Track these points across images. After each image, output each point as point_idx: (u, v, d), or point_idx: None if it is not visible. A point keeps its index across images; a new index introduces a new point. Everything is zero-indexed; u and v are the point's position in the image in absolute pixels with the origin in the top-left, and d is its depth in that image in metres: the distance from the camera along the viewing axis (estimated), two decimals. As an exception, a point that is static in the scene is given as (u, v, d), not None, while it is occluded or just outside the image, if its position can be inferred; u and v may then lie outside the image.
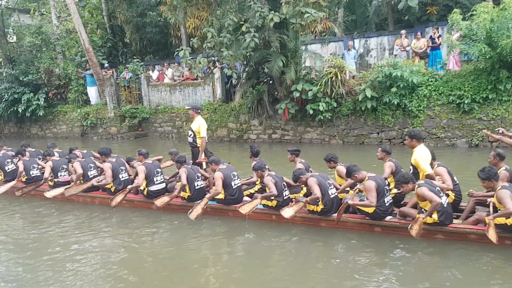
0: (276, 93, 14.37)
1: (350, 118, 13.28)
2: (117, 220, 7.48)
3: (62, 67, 19.69)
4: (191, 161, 8.19)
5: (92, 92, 19.07)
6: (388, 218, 5.96)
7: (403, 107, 12.45)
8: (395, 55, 14.48)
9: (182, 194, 7.30)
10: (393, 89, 12.15)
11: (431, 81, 12.39)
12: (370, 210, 5.90)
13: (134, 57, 20.42)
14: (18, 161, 9.21)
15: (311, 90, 12.92)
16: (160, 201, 7.20)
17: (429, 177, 5.81)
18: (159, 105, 18.00)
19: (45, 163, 8.93)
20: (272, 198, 6.55)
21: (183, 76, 17.57)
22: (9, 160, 9.43)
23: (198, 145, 8.26)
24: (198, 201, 7.00)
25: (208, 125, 15.82)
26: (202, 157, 8.15)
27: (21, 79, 19.44)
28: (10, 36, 22.00)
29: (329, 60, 13.57)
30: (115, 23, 21.71)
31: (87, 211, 7.94)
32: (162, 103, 17.95)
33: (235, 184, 7.05)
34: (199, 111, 8.55)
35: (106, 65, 18.94)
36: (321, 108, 12.94)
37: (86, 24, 19.66)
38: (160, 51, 22.83)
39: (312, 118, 13.59)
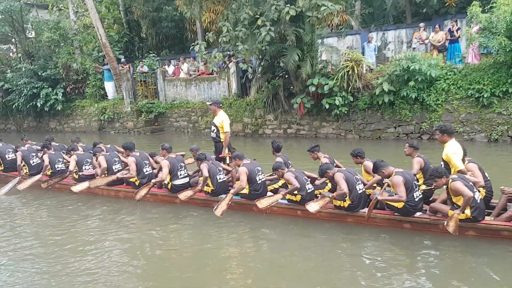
0: (291, 87, 14.29)
1: (366, 113, 13.13)
2: (141, 214, 7.51)
3: (80, 62, 19.91)
4: (214, 156, 8.16)
5: (109, 87, 19.26)
6: (418, 214, 5.82)
7: (421, 101, 12.26)
8: (414, 48, 14.26)
9: (205, 188, 7.28)
10: (411, 83, 11.96)
11: (450, 74, 12.17)
12: (399, 205, 5.79)
13: (150, 51, 20.57)
14: (43, 155, 9.28)
15: (327, 84, 12.81)
16: (184, 195, 7.22)
17: (460, 172, 5.67)
18: (175, 99, 18.07)
19: (70, 157, 8.99)
20: (296, 192, 6.46)
21: (198, 71, 17.60)
22: (34, 154, 9.51)
23: (221, 140, 8.21)
24: (223, 196, 6.99)
25: (224, 119, 15.98)
26: (225, 152, 8.16)
27: (39, 74, 19.73)
28: (29, 32, 22.30)
29: (345, 53, 13.40)
30: (131, 18, 21.83)
31: (111, 205, 8.00)
32: (177, 98, 18.02)
33: (259, 179, 6.99)
34: (221, 105, 8.51)
35: (122, 60, 19.08)
36: (337, 102, 12.82)
37: (103, 19, 19.83)
38: (176, 45, 22.89)
39: (328, 113, 13.48)
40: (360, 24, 17.12)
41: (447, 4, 15.83)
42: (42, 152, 9.48)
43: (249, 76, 15.84)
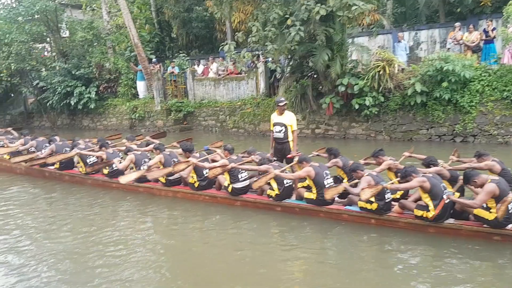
0: (320, 87, 14.16)
1: (398, 113, 12.89)
2: (201, 216, 7.37)
3: (112, 62, 20.34)
4: (275, 158, 7.97)
5: (141, 86, 19.61)
6: (510, 226, 5.47)
7: (454, 102, 11.94)
8: (448, 48, 13.92)
9: (269, 192, 7.07)
10: (444, 84, 11.67)
11: (484, 75, 11.81)
12: (490, 216, 5.41)
13: (180, 51, 20.79)
14: (100, 153, 9.29)
15: (357, 84, 12.64)
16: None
17: None
18: (204, 99, 18.22)
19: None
20: (373, 200, 6.08)
21: (227, 71, 17.70)
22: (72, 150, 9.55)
23: (289, 139, 7.90)
24: (287, 201, 6.84)
25: (251, 119, 16.03)
26: (295, 151, 7.89)
27: (73, 73, 20.23)
28: (63, 31, 22.90)
29: (377, 53, 13.20)
30: (162, 18, 22.15)
31: (169, 206, 7.94)
32: (206, 97, 18.17)
33: (327, 184, 6.66)
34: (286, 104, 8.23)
35: (154, 60, 19.37)
36: (367, 102, 12.64)
37: (135, 19, 20.18)
38: (205, 45, 23.10)
39: (358, 113, 13.31)
40: (392, 24, 16.85)
41: (482, 3, 15.38)
42: (98, 150, 9.48)
43: (277, 76, 15.81)
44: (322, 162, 7.25)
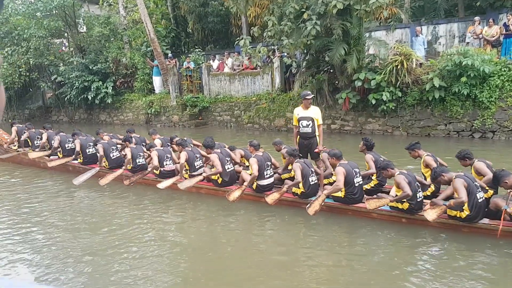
0: (336, 82, 14.06)
1: (415, 109, 12.71)
2: (224, 213, 7.26)
3: (129, 57, 20.49)
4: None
5: (157, 81, 19.71)
6: None
7: (473, 97, 11.74)
8: (467, 43, 13.66)
9: (294, 190, 6.91)
10: (463, 79, 11.46)
11: (504, 70, 11.56)
12: None
13: (196, 46, 20.84)
14: (125, 148, 9.28)
15: (374, 79, 12.50)
16: (271, 199, 6.79)
17: None
18: (219, 94, 18.24)
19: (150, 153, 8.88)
20: (404, 200, 5.94)
21: (242, 66, 17.67)
22: (114, 148, 9.51)
23: (316, 134, 7.61)
24: (314, 198, 6.63)
25: (266, 114, 16.00)
26: (321, 146, 7.69)
27: (90, 67, 20.43)
28: (81, 27, 23.11)
29: (394, 47, 13.02)
30: (178, 13, 22.21)
31: (193, 202, 7.89)
32: (221, 92, 18.18)
33: (357, 182, 6.46)
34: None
35: (169, 55, 19.45)
36: (384, 97, 12.49)
37: (151, 14, 20.27)
38: (221, 40, 23.10)
39: (375, 108, 13.17)
40: (410, 18, 16.58)
41: (503, -4, 15.07)
42: (124, 145, 9.47)
43: (293, 71, 15.73)
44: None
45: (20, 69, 21.19)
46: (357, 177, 6.48)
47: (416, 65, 12.73)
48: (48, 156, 10.61)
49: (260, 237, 6.38)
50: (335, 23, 12.31)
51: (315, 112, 7.66)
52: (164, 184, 8.06)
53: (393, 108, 12.75)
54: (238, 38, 13.96)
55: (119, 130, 15.86)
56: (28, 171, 10.95)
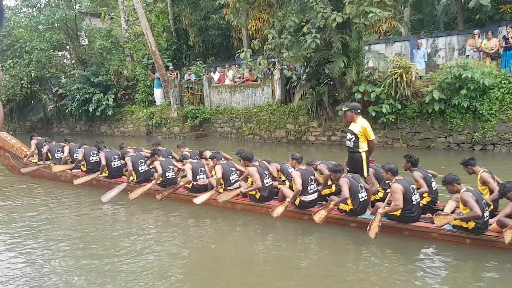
0: (336, 94, 14.12)
1: (415, 121, 12.74)
2: (262, 229, 6.98)
3: (130, 69, 20.63)
4: (348, 168, 7.35)
5: (158, 93, 19.83)
6: None
7: (473, 110, 11.77)
8: (467, 56, 13.74)
9: (341, 206, 6.53)
10: (463, 91, 11.50)
11: (504, 83, 11.61)
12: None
13: (197, 59, 20.98)
14: (153, 162, 8.98)
15: (374, 91, 12.56)
16: (319, 217, 6.33)
17: None
18: (220, 106, 18.30)
19: (182, 165, 8.60)
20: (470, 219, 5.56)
21: (243, 78, 17.76)
22: (142, 161, 9.19)
23: (360, 150, 7.03)
24: (364, 217, 6.32)
25: (267, 126, 16.04)
26: (365, 167, 7.05)
27: (92, 80, 20.55)
28: (82, 39, 23.36)
29: (394, 60, 13.10)
30: (180, 26, 22.40)
31: (229, 218, 7.50)
32: (222, 104, 18.24)
33: (415, 200, 6.04)
34: (358, 111, 7.26)
35: (171, 67, 19.57)
36: (384, 110, 12.53)
37: (153, 27, 20.45)
38: (222, 53, 23.27)
39: (374, 121, 13.17)
40: (409, 31, 16.71)
41: (502, 10, 15.16)
42: (152, 159, 9.19)
43: (293, 83, 15.81)
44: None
45: (22, 81, 21.34)
46: (414, 194, 6.08)
47: (415, 77, 12.79)
48: (71, 169, 10.42)
49: (304, 258, 5.88)
50: (335, 37, 12.42)
51: (356, 127, 7.08)
52: (201, 199, 7.62)
53: (393, 120, 12.78)
54: (239, 51, 14.06)
55: (119, 142, 15.85)
56: (50, 184, 10.66)
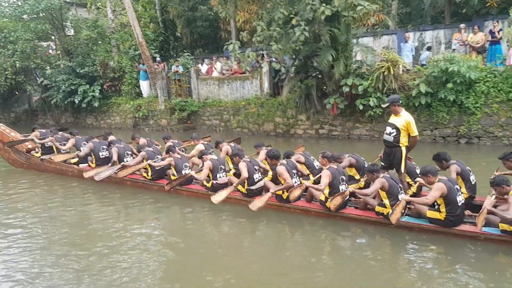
0: (324, 87, 14.16)
1: (402, 114, 12.83)
2: (289, 227, 6.79)
3: (117, 60, 20.38)
4: (382, 163, 7.06)
5: (144, 85, 19.63)
6: None
7: (459, 103, 11.90)
8: (454, 49, 13.87)
9: (378, 209, 6.24)
10: (449, 85, 11.62)
11: (490, 77, 11.75)
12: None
13: (185, 50, 20.82)
14: (167, 158, 8.67)
15: (362, 84, 12.62)
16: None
17: None
18: (208, 98, 18.22)
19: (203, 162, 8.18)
20: None
21: (231, 70, 17.68)
22: (158, 157, 8.95)
23: (401, 144, 6.71)
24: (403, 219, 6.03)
25: (255, 119, 16.03)
26: (403, 164, 6.77)
27: (77, 71, 20.28)
28: (68, 29, 22.94)
29: (381, 54, 13.16)
30: (167, 17, 22.15)
31: (252, 216, 7.10)
32: (210, 97, 18.16)
33: (459, 201, 5.70)
34: (400, 102, 6.84)
35: (158, 59, 19.39)
36: (371, 103, 12.61)
37: (140, 18, 20.20)
38: (210, 45, 23.11)
39: (362, 114, 13.28)
40: (397, 24, 16.81)
41: (488, 4, 15.31)
42: (167, 155, 8.86)
43: (281, 76, 15.79)
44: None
45: (6, 72, 20.90)
46: (459, 195, 5.74)
47: (403, 71, 12.87)
48: (77, 164, 10.13)
49: (342, 261, 5.65)
50: (323, 29, 12.42)
51: (400, 120, 6.71)
52: (218, 197, 7.22)
53: (380, 113, 12.85)
54: (227, 43, 13.99)
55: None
56: (53, 178, 10.44)
